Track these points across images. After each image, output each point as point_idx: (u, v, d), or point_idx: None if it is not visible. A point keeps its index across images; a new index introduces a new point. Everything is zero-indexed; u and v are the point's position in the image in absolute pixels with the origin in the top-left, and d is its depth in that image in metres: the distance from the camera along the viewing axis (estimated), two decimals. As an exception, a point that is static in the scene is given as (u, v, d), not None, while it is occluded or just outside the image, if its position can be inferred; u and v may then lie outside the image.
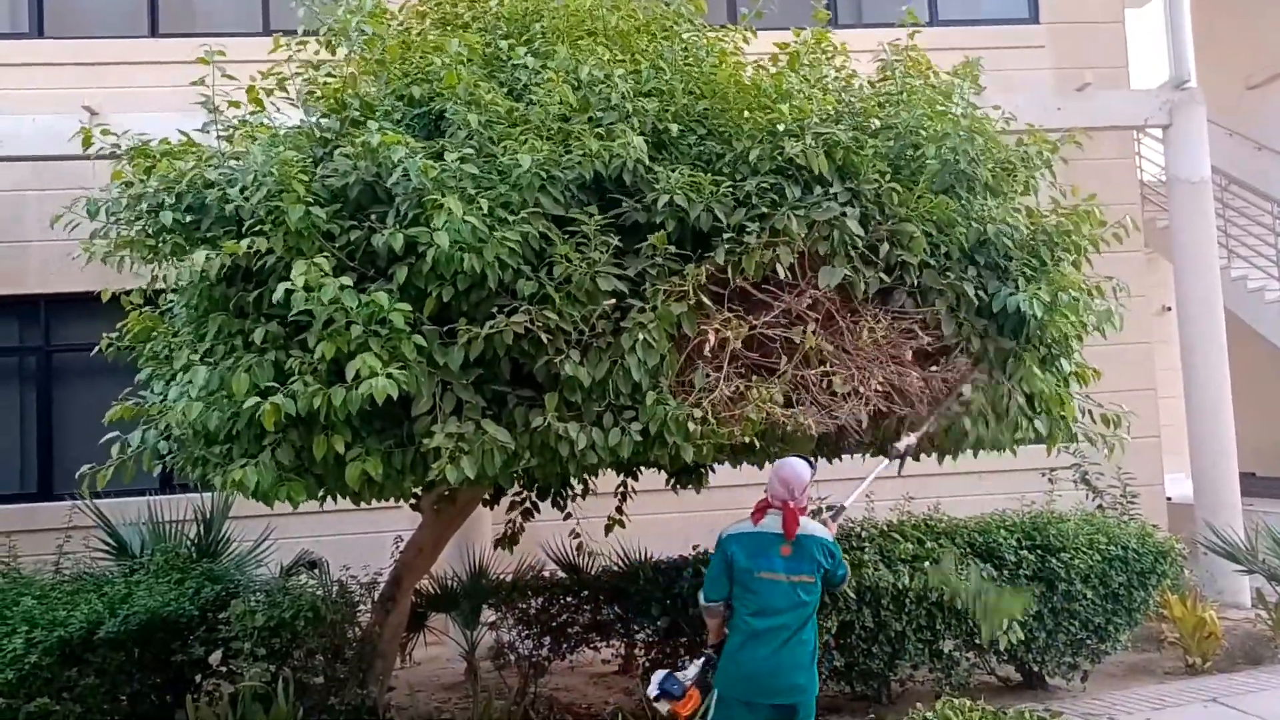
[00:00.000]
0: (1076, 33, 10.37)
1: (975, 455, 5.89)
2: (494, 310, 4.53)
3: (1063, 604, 6.56)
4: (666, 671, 4.62)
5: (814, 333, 4.92)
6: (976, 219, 5.31)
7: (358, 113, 4.91)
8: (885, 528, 6.88)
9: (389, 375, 4.17)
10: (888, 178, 5.06)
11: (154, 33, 9.51)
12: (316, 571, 7.41)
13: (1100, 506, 8.25)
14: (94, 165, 8.40)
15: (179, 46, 9.15)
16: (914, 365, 5.13)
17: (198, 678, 6.25)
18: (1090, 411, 5.95)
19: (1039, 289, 5.20)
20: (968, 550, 6.56)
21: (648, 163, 4.85)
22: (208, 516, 7.52)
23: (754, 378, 4.89)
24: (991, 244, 5.28)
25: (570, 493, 7.03)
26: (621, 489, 7.14)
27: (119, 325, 5.34)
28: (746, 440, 4.78)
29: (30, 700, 5.24)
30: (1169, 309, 13.31)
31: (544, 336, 4.47)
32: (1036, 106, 8.52)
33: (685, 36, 5.77)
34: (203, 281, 4.46)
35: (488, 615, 7.57)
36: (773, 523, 4.53)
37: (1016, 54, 9.90)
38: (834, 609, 6.16)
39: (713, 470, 6.88)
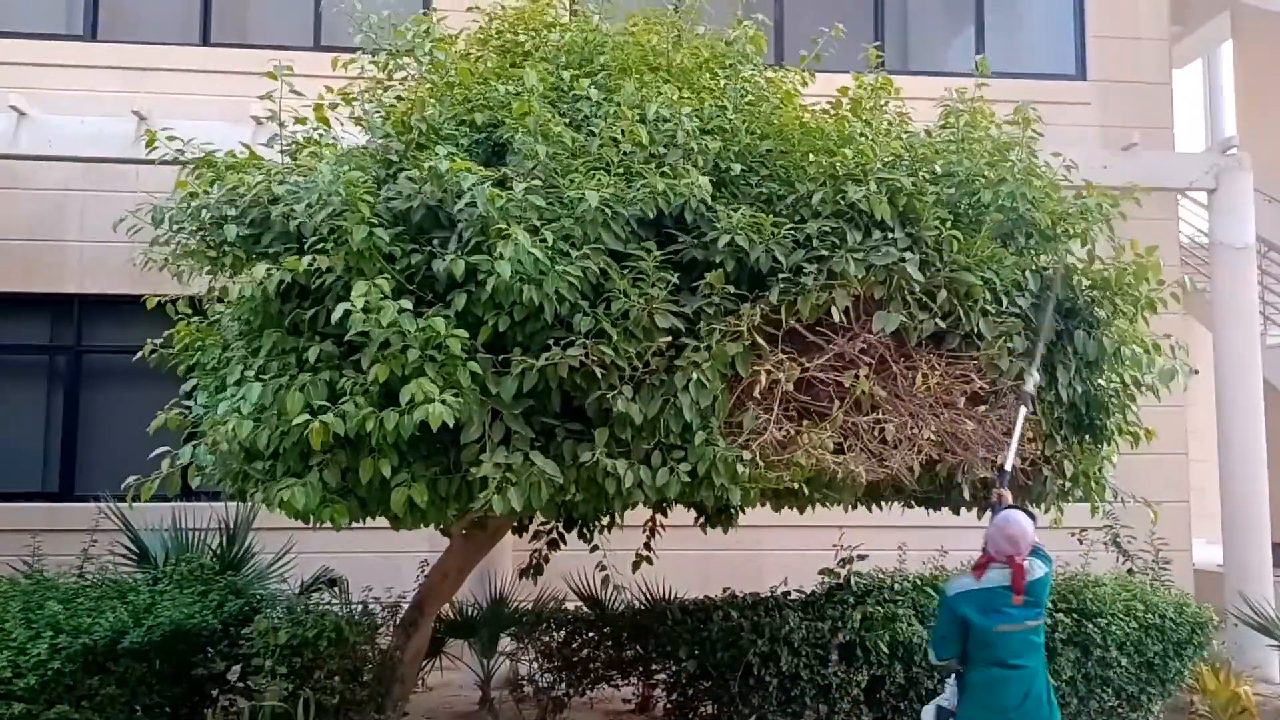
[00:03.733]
0: (1123, 91, 10.35)
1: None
2: (548, 342, 4.49)
3: (1097, 670, 6.45)
4: (933, 704, 4.62)
5: (866, 377, 4.85)
6: (1034, 267, 5.30)
7: (422, 136, 4.89)
8: (919, 581, 6.78)
9: (444, 402, 4.13)
10: (948, 225, 5.01)
11: (205, 41, 9.57)
12: (336, 589, 7.34)
13: (1130, 570, 8.13)
14: (138, 170, 8.55)
15: (229, 56, 9.26)
16: (967, 409, 5.07)
17: (214, 692, 6.19)
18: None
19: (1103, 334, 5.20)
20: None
21: (710, 202, 4.82)
22: (231, 528, 7.47)
23: (804, 422, 4.82)
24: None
25: (598, 525, 6.96)
26: (650, 525, 7.06)
27: (166, 333, 5.31)
28: (795, 486, 4.71)
29: (50, 707, 5.17)
30: (1197, 372, 13.18)
31: (598, 371, 4.42)
32: (1082, 164, 8.47)
33: (746, 75, 5.76)
34: (260, 296, 4.42)
35: (505, 644, 7.50)
36: (998, 577, 4.44)
37: (1062, 109, 9.85)
38: (865, 663, 6.07)
39: (743, 512, 6.81)
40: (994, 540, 4.47)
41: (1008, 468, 4.83)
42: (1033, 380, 5.02)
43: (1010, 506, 4.63)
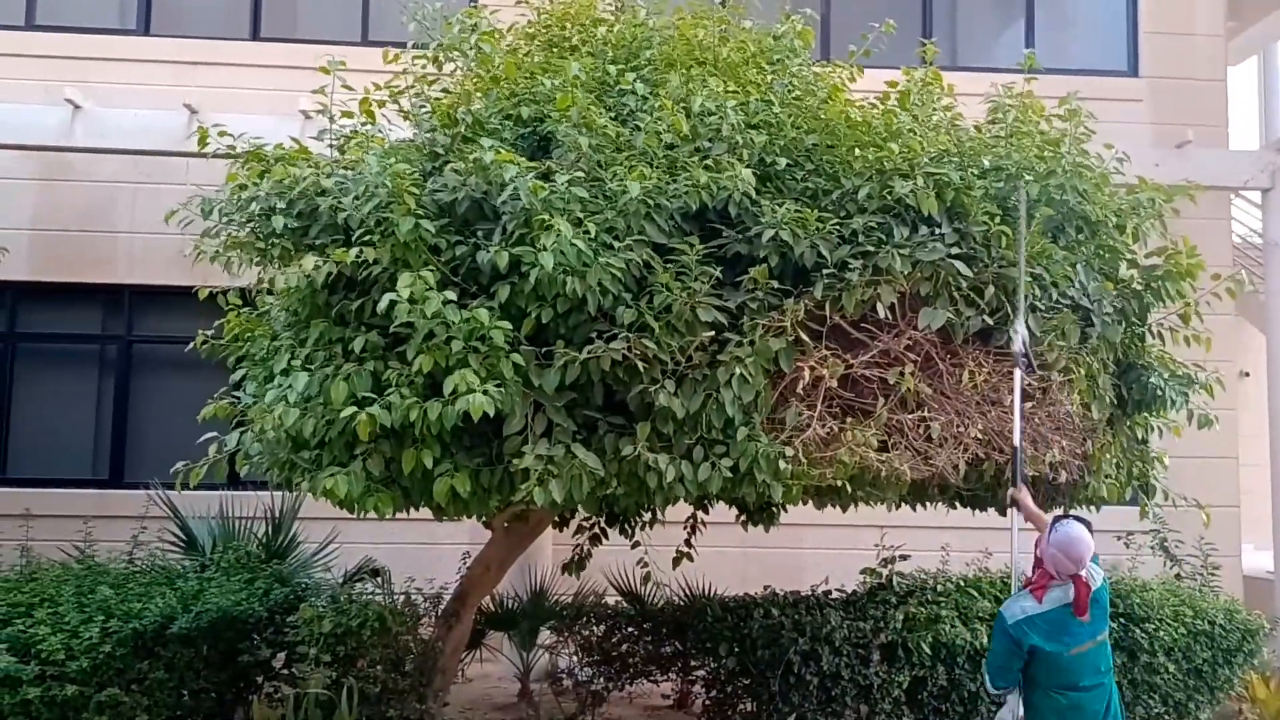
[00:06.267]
0: (1177, 88, 10.16)
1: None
2: (591, 335, 4.50)
3: (1143, 676, 6.35)
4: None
5: (911, 374, 4.80)
6: (1084, 260, 5.24)
7: (468, 130, 4.92)
8: (962, 583, 6.71)
9: (486, 393, 4.15)
10: (997, 220, 4.95)
11: (255, 36, 9.69)
12: (379, 580, 7.40)
13: (1178, 576, 7.99)
14: (189, 163, 8.68)
15: (279, 51, 9.36)
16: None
17: (260, 679, 6.27)
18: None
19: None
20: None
21: (754, 196, 4.79)
22: (276, 517, 7.56)
23: (848, 419, 4.79)
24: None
25: (639, 521, 6.96)
26: (691, 521, 7.05)
27: (217, 323, 5.38)
28: (838, 483, 4.68)
29: (101, 690, 5.26)
30: (1247, 374, 12.99)
31: (640, 365, 4.42)
32: (1134, 161, 8.33)
33: (793, 70, 5.73)
34: (308, 287, 4.47)
35: (544, 637, 7.53)
36: (1060, 596, 4.22)
37: (1114, 106, 9.66)
38: (907, 664, 6.03)
39: (784, 509, 6.79)
40: (1057, 561, 4.19)
41: (1018, 443, 4.59)
42: (1020, 337, 4.78)
43: (1063, 517, 4.41)
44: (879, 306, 4.75)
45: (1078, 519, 4.35)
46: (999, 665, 4.28)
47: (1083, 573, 4.17)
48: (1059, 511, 5.14)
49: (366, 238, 4.40)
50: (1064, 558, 4.17)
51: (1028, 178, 5.26)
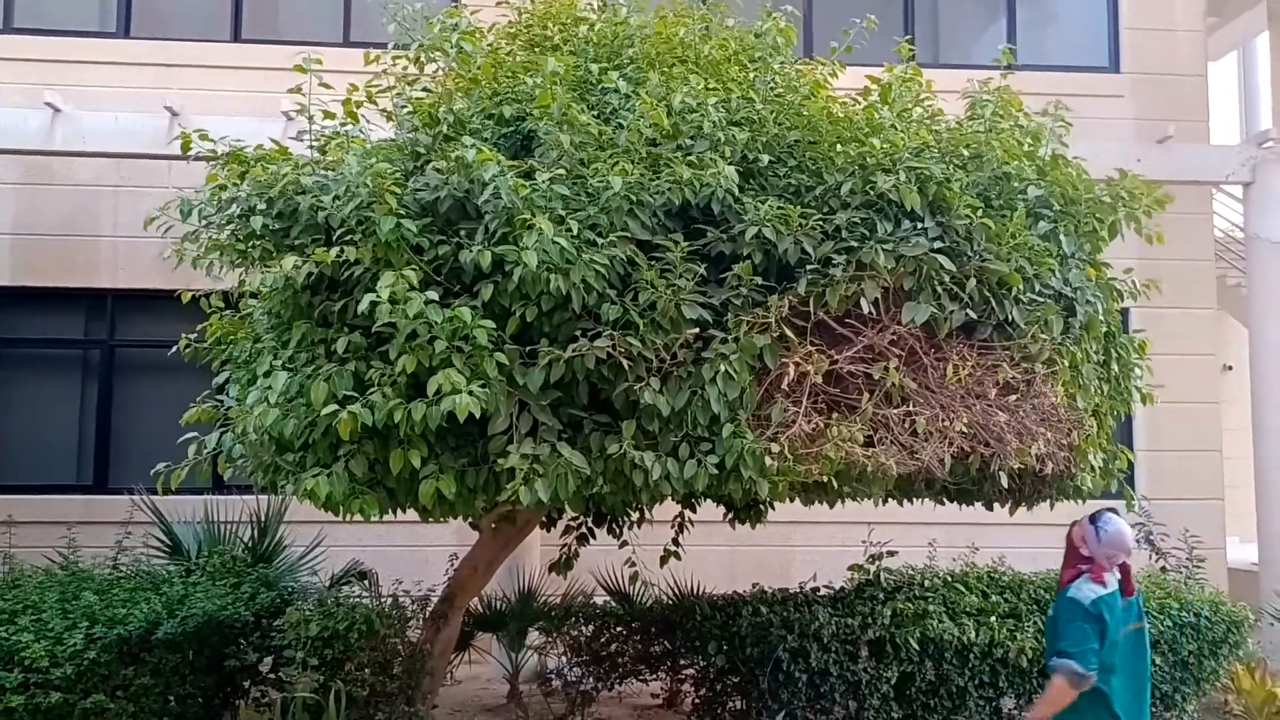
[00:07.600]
0: (1158, 84, 10.22)
1: (1052, 508, 5.80)
2: (576, 333, 4.49)
3: (1130, 667, 6.35)
4: None
5: (896, 369, 4.80)
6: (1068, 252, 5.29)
7: (450, 129, 4.90)
8: (949, 578, 6.73)
9: (471, 393, 4.13)
10: (979, 213, 4.95)
11: (236, 38, 9.66)
12: (366, 583, 7.38)
13: (1164, 569, 8.02)
14: (170, 165, 8.65)
15: (260, 52, 9.34)
16: (999, 399, 5.01)
17: (246, 683, 6.25)
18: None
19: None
20: (1033, 606, 6.39)
21: (737, 193, 4.79)
22: (262, 520, 7.53)
23: (833, 414, 4.78)
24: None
25: (626, 520, 6.95)
26: (679, 519, 7.05)
27: (200, 327, 5.35)
28: (824, 479, 4.68)
29: (86, 696, 5.23)
30: (1230, 368, 13.07)
31: (625, 363, 4.40)
32: (1116, 156, 8.37)
33: (775, 67, 5.73)
34: (288, 288, 4.44)
35: (533, 638, 7.51)
36: (1111, 582, 4.37)
37: (1096, 102, 9.75)
38: (895, 660, 6.03)
39: (772, 507, 6.79)
40: (1113, 551, 4.36)
41: None
42: None
43: (1099, 513, 4.49)
44: (863, 302, 4.74)
45: (1108, 509, 4.51)
46: (1088, 646, 4.21)
47: (1129, 560, 4.39)
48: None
49: (348, 237, 4.37)
50: (1118, 550, 4.37)
51: (1012, 167, 5.27)
